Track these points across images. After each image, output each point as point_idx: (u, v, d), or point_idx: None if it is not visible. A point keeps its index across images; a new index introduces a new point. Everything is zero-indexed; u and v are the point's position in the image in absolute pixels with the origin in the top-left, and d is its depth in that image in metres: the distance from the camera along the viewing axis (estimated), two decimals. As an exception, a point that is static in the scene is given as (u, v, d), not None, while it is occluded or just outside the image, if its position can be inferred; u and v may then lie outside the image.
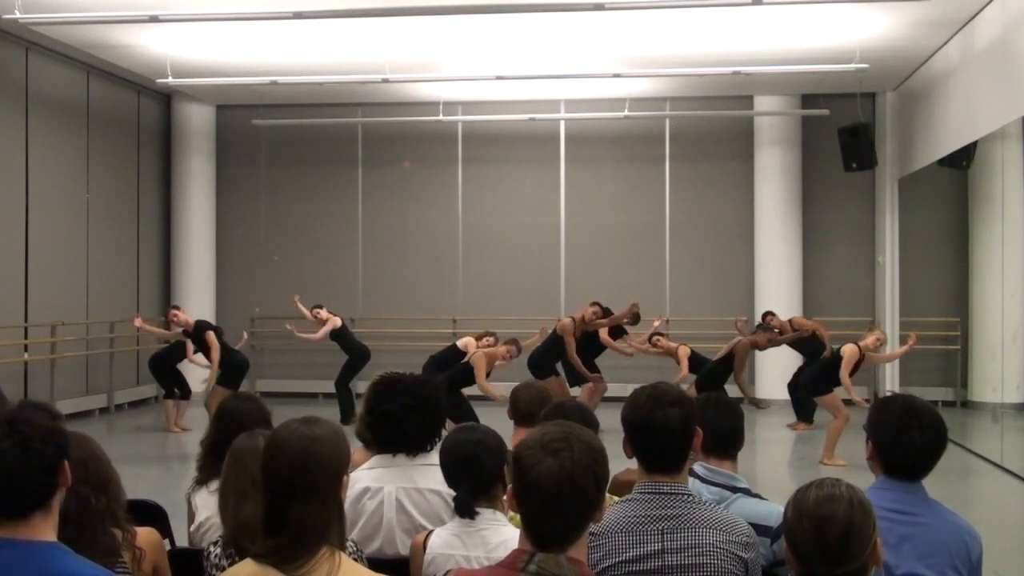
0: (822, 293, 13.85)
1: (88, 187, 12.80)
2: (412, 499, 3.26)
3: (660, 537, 2.52)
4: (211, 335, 10.78)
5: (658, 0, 9.11)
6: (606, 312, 11.05)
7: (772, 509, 3.12)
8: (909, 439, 2.76)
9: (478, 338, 10.05)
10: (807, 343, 11.12)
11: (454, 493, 3.00)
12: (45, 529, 2.12)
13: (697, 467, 3.23)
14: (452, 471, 2.94)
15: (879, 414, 2.87)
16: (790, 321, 11.59)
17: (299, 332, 12.15)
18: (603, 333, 11.11)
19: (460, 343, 10.27)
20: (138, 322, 11.55)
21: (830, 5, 9.29)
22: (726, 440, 3.25)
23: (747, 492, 3.27)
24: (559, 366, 10.95)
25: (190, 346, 11.21)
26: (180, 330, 11.12)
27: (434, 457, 3.35)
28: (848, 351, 9.36)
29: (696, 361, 10.42)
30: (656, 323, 11.44)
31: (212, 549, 2.70)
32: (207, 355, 11.03)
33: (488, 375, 9.63)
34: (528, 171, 14.53)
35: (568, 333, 10.67)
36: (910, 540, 2.68)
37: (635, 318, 11.13)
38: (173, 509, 3.83)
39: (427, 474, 3.28)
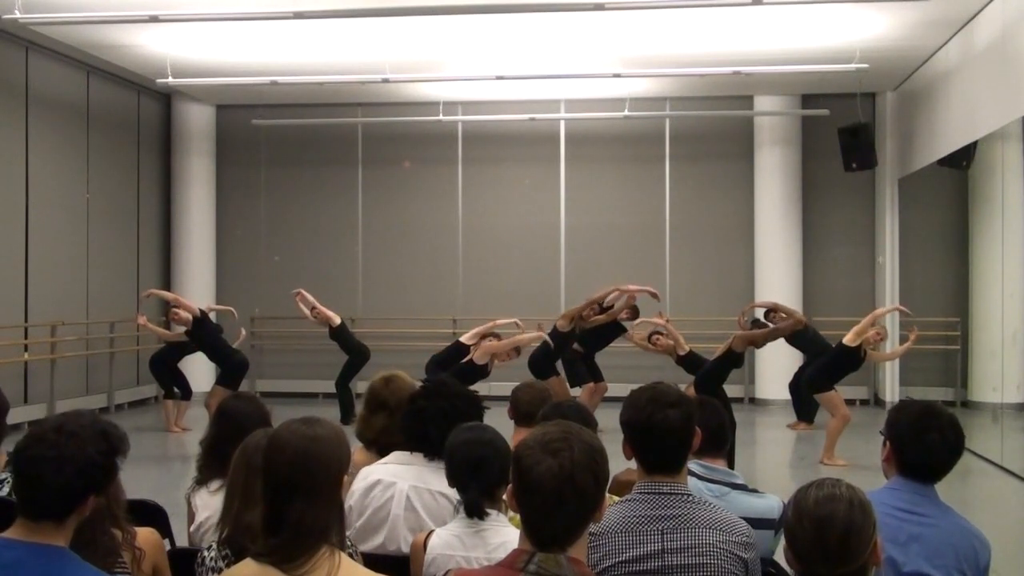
0: (822, 293, 13.85)
1: (88, 187, 12.80)
2: (422, 499, 3.27)
3: (660, 537, 2.53)
4: (190, 318, 10.80)
5: (658, 0, 9.12)
6: (603, 309, 11.05)
7: (772, 503, 3.19)
8: (928, 440, 2.79)
9: (482, 337, 10.04)
10: (807, 341, 11.06)
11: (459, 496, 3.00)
12: (56, 535, 2.14)
13: (694, 465, 3.24)
14: (460, 471, 2.92)
15: (898, 415, 2.90)
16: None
17: (303, 304, 12.13)
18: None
19: (464, 337, 10.28)
20: (142, 320, 11.54)
21: (830, 5, 9.30)
22: (715, 438, 3.29)
23: (744, 488, 3.30)
24: (559, 366, 10.94)
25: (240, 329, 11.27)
26: (182, 330, 11.12)
27: None
28: (849, 336, 9.38)
29: (694, 361, 10.38)
30: (657, 320, 11.40)
31: (207, 553, 2.69)
32: (208, 351, 11.04)
33: (489, 372, 9.68)
34: (528, 171, 14.53)
35: (564, 320, 10.72)
36: (918, 540, 2.70)
37: (634, 312, 11.12)
38: (173, 509, 3.83)
39: (440, 476, 3.28)
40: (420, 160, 14.63)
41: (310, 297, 12.03)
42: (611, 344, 11.44)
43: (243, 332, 12.01)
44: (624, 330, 11.24)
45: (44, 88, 11.97)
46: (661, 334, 10.77)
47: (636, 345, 10.95)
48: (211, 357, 11.31)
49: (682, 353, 10.03)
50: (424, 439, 3.36)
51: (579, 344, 11.04)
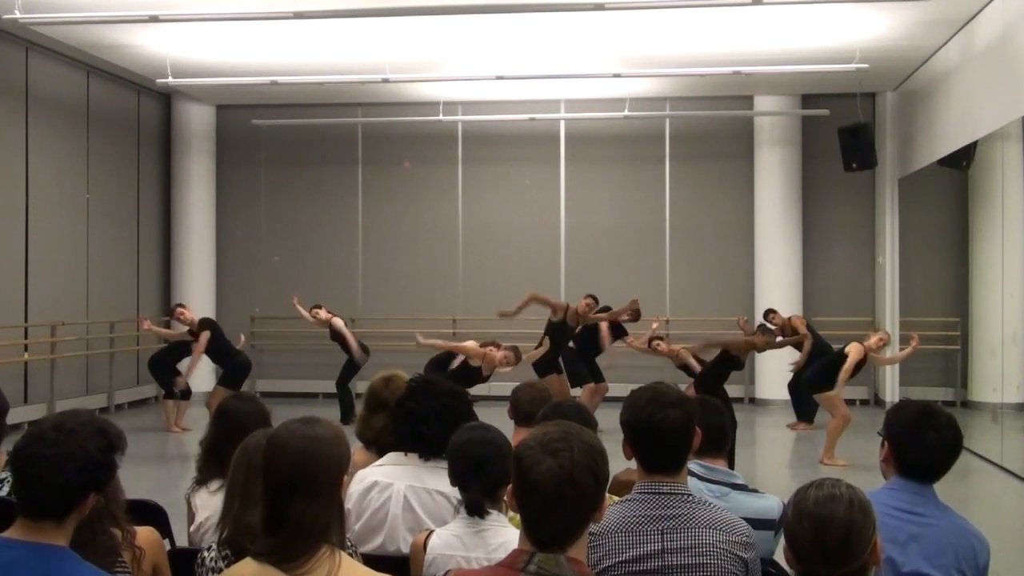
0: (822, 293, 13.85)
1: (88, 187, 12.80)
2: (420, 498, 3.28)
3: (660, 537, 2.53)
4: (204, 335, 10.77)
5: (658, 0, 9.12)
6: (604, 309, 11.05)
7: (772, 503, 3.19)
8: (927, 439, 2.79)
9: (482, 345, 10.04)
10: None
11: (459, 495, 3.00)
12: (56, 534, 2.14)
13: (694, 466, 3.24)
14: (462, 470, 2.92)
15: (896, 416, 2.90)
16: (789, 319, 11.56)
17: (299, 306, 12.19)
18: (603, 328, 11.10)
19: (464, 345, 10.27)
20: (146, 325, 11.60)
21: (830, 5, 9.30)
22: (716, 438, 3.29)
23: (744, 488, 3.30)
24: (560, 364, 10.93)
25: (200, 342, 11.11)
26: (186, 329, 11.14)
27: (445, 461, 3.35)
28: (854, 349, 9.37)
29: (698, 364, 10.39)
30: (655, 324, 11.42)
31: (207, 553, 2.69)
32: (212, 353, 11.04)
33: (487, 378, 9.68)
34: (528, 171, 14.53)
35: (559, 309, 10.71)
36: (918, 539, 2.70)
37: (635, 315, 11.11)
38: (173, 509, 3.83)
39: (436, 475, 3.29)
40: (420, 160, 14.63)
41: (306, 314, 12.08)
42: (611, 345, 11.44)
43: (242, 337, 12.00)
44: (624, 332, 11.24)
45: (44, 88, 11.96)
46: (661, 339, 10.78)
47: (637, 350, 10.95)
48: (214, 358, 11.32)
49: (689, 361, 10.06)
50: (417, 440, 3.36)
51: (578, 345, 11.03)
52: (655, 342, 10.64)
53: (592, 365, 11.27)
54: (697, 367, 10.07)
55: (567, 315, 10.71)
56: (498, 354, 9.55)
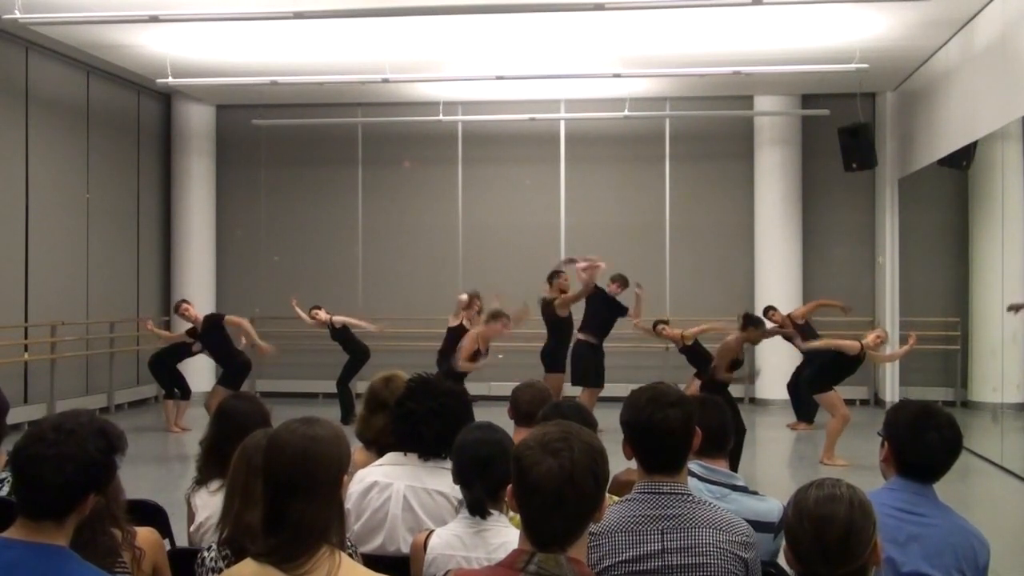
0: (822, 293, 13.80)
1: (88, 187, 12.80)
2: (419, 498, 3.28)
3: (660, 537, 2.53)
4: (231, 317, 10.88)
5: (658, 0, 9.12)
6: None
7: (773, 506, 3.18)
8: (927, 439, 2.80)
9: (466, 306, 10.33)
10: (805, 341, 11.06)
11: (460, 496, 3.00)
12: (56, 534, 2.14)
13: (694, 466, 3.24)
14: (467, 469, 2.91)
15: (896, 416, 2.91)
16: (788, 315, 11.55)
17: (297, 307, 12.34)
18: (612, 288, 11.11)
19: (451, 322, 10.74)
20: (149, 325, 11.62)
21: (830, 5, 9.30)
22: (716, 438, 3.28)
23: (744, 490, 3.30)
24: (565, 362, 10.94)
25: (239, 321, 11.13)
26: (187, 328, 11.13)
27: (445, 461, 3.35)
28: (848, 344, 9.39)
29: (700, 357, 10.30)
30: (637, 291, 11.16)
31: (207, 553, 2.69)
32: (214, 352, 11.03)
33: (478, 357, 9.85)
34: (528, 171, 14.53)
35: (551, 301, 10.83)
36: (918, 540, 2.70)
37: (624, 282, 11.03)
38: (173, 509, 3.83)
39: (436, 476, 3.29)
40: (420, 160, 14.63)
41: (304, 316, 12.15)
42: (611, 345, 11.40)
43: (244, 339, 11.97)
44: (624, 310, 11.07)
45: (44, 88, 11.96)
46: (667, 323, 10.76)
47: (640, 329, 10.90)
48: (215, 358, 11.31)
49: (688, 343, 10.05)
50: (417, 440, 3.36)
51: (583, 334, 11.00)
52: (660, 326, 10.60)
53: (599, 366, 11.08)
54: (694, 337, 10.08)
55: (561, 305, 10.77)
56: (493, 328, 9.83)
